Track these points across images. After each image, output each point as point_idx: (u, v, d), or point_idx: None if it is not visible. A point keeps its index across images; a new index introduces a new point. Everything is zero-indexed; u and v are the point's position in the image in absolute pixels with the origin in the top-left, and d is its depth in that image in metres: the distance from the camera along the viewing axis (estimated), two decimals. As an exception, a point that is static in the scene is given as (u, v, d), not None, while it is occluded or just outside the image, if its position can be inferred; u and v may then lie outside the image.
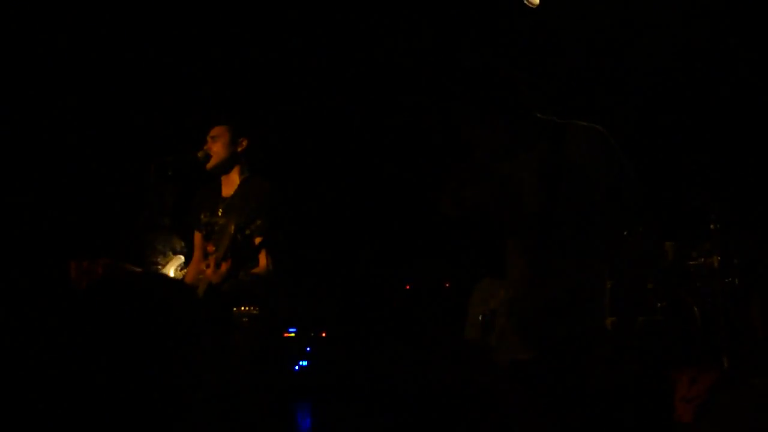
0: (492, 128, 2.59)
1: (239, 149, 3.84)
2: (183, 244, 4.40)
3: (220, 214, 3.75)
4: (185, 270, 4.07)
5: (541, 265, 2.58)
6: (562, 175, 2.58)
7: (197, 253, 3.92)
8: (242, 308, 3.61)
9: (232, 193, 3.80)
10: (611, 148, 2.60)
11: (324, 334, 7.61)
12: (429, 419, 5.29)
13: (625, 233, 2.56)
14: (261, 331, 3.62)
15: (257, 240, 3.59)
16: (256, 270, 3.60)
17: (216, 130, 3.83)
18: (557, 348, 2.58)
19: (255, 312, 3.61)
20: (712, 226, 5.69)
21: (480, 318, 2.72)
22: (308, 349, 7.36)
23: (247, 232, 3.58)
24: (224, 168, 3.82)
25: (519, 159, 2.68)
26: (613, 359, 2.68)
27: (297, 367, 7.22)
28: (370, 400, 6.03)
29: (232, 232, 3.61)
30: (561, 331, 2.57)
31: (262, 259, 3.58)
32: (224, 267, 3.49)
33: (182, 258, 4.31)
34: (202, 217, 3.85)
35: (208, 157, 3.77)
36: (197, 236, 3.92)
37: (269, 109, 6.81)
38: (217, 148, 3.79)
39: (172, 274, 4.22)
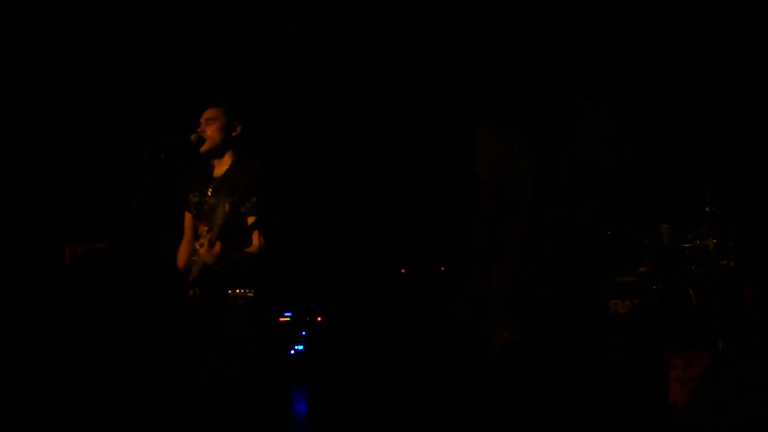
0: (494, 106, 2.57)
1: (233, 134, 3.79)
2: None
3: (210, 193, 3.72)
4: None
5: (538, 245, 2.57)
6: (562, 154, 2.57)
7: (187, 234, 3.89)
8: (237, 291, 3.59)
9: (223, 172, 3.77)
10: (614, 128, 2.59)
11: (319, 319, 7.62)
12: (424, 402, 5.30)
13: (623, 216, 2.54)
14: (257, 313, 3.60)
15: (250, 219, 3.57)
16: (249, 249, 3.57)
17: (210, 113, 3.77)
18: (552, 330, 2.58)
19: (251, 294, 3.60)
20: (707, 209, 5.68)
21: (475, 299, 2.71)
22: (303, 333, 7.37)
23: (242, 210, 3.55)
24: (217, 152, 3.78)
25: (520, 137, 2.67)
26: (612, 341, 2.69)
27: (292, 351, 7.23)
28: (365, 385, 6.04)
29: (227, 210, 3.59)
30: (557, 313, 2.56)
31: (255, 239, 3.54)
32: (218, 246, 3.47)
33: None
34: (191, 197, 3.82)
35: (200, 140, 3.72)
36: (187, 217, 3.89)
37: (264, 90, 6.79)
38: (211, 132, 3.74)
39: None
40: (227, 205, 3.59)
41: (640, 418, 4.84)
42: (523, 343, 2.55)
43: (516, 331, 2.55)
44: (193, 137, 3.73)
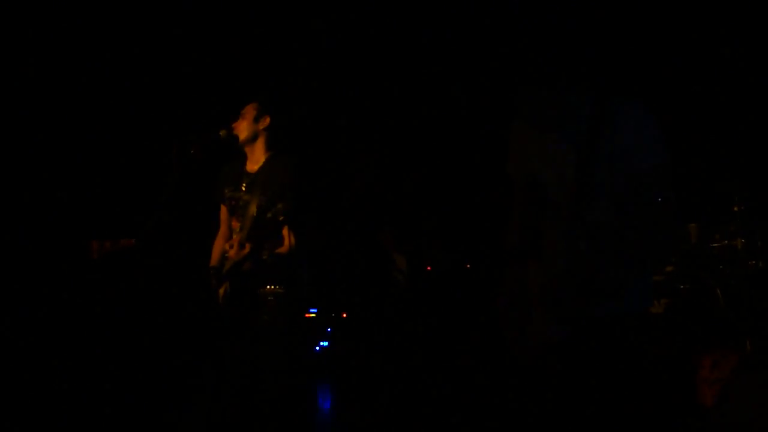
0: (532, 103, 2.56)
1: (261, 127, 3.84)
2: None
3: (243, 189, 3.75)
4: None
5: (580, 245, 2.54)
6: (603, 152, 2.55)
7: (223, 228, 3.93)
8: (267, 287, 3.61)
9: (257, 169, 3.80)
10: (655, 126, 2.57)
11: (344, 315, 7.63)
12: (448, 400, 5.30)
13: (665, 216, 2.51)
14: (286, 310, 3.62)
15: (281, 219, 3.59)
16: (279, 250, 3.60)
17: (246, 108, 3.86)
18: (594, 330, 2.55)
19: (280, 291, 3.62)
20: (735, 209, 5.63)
21: (513, 299, 2.70)
22: (329, 329, 7.39)
23: (269, 215, 3.58)
24: (249, 145, 3.84)
25: (558, 135, 2.65)
26: (654, 343, 2.66)
27: (318, 348, 7.25)
28: (390, 381, 6.04)
29: (254, 213, 3.62)
30: (599, 314, 2.54)
31: (286, 238, 3.57)
32: (247, 248, 3.51)
33: None
34: (226, 191, 3.86)
35: (230, 136, 3.76)
36: (223, 210, 3.93)
37: (297, 86, 6.80)
38: (242, 126, 3.81)
39: None
40: (254, 207, 3.62)
41: (667, 418, 4.81)
42: (564, 344, 2.53)
43: (557, 332, 2.53)
44: (222, 133, 3.76)
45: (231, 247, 3.61)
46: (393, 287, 5.34)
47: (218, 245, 3.89)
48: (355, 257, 7.79)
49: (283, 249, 3.59)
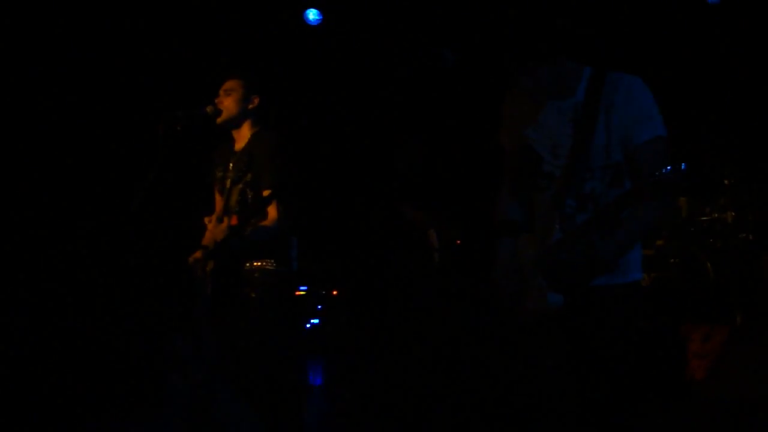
0: (532, 74, 2.53)
1: (250, 106, 3.77)
2: None
3: (230, 168, 3.70)
4: None
5: (570, 217, 2.54)
6: (600, 121, 2.53)
7: (216, 209, 3.87)
8: (254, 263, 3.58)
9: (242, 147, 3.75)
10: (653, 100, 2.55)
11: (335, 293, 7.62)
12: (441, 375, 5.30)
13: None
14: (274, 287, 3.59)
15: (266, 193, 3.54)
16: (264, 223, 3.54)
17: (228, 84, 3.75)
18: (586, 300, 2.56)
19: (268, 267, 3.59)
20: (726, 182, 5.62)
21: (508, 270, 2.69)
22: (319, 307, 7.38)
23: (240, 186, 3.55)
24: (234, 123, 3.76)
25: (556, 106, 2.63)
26: (645, 316, 2.67)
27: (308, 325, 7.25)
28: (382, 359, 6.04)
29: (228, 186, 3.58)
30: (592, 284, 2.54)
31: (272, 212, 3.52)
32: (226, 221, 3.45)
33: None
34: (217, 172, 3.81)
35: (217, 111, 3.70)
36: (216, 192, 3.88)
37: (283, 63, 6.74)
38: (228, 103, 3.72)
39: None
40: (228, 181, 3.58)
41: (658, 391, 4.83)
42: (558, 314, 2.53)
43: (550, 302, 2.53)
44: (209, 109, 3.71)
45: (209, 221, 3.56)
46: (427, 264, 5.31)
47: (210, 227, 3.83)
48: (346, 233, 7.77)
49: (268, 222, 3.53)
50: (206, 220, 3.63)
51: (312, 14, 6.61)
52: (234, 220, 3.47)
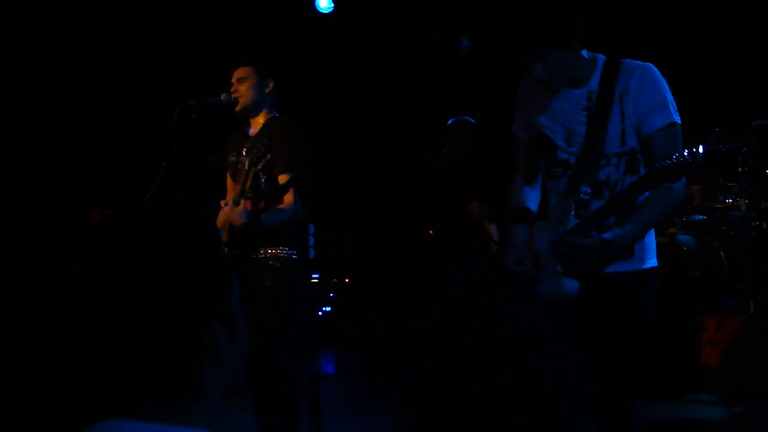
0: (545, 62, 2.52)
1: (266, 90, 3.75)
2: None
3: (244, 153, 3.68)
4: None
5: (586, 204, 2.54)
6: (614, 108, 2.54)
7: (228, 196, 3.85)
8: (269, 250, 3.56)
9: (259, 131, 3.73)
10: (666, 87, 2.55)
11: (347, 281, 7.62)
12: (452, 363, 5.29)
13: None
14: (289, 275, 3.57)
15: (282, 178, 3.53)
16: (280, 206, 3.50)
17: (241, 71, 3.73)
18: (601, 286, 2.56)
19: (283, 255, 3.57)
20: (739, 169, 5.59)
21: (521, 258, 2.69)
22: (331, 295, 7.39)
23: (259, 167, 3.53)
24: (252, 110, 3.74)
25: (570, 94, 2.63)
26: (659, 303, 2.65)
27: (320, 313, 7.25)
28: (393, 347, 6.04)
29: (246, 168, 3.56)
30: (607, 270, 2.55)
31: (288, 197, 3.49)
32: (241, 206, 3.43)
33: None
34: (230, 157, 3.79)
35: (231, 99, 3.69)
36: (228, 177, 3.85)
37: (297, 49, 6.73)
38: (244, 90, 3.70)
39: None
40: (246, 163, 3.57)
41: (672, 379, 4.82)
42: (572, 300, 2.53)
43: (565, 289, 2.53)
44: (223, 96, 3.70)
45: (225, 204, 3.55)
46: (487, 258, 5.27)
47: (222, 213, 3.81)
48: (358, 223, 7.78)
49: (284, 206, 3.49)
50: (222, 203, 3.61)
51: (323, 2, 6.59)
52: (240, 206, 3.44)
